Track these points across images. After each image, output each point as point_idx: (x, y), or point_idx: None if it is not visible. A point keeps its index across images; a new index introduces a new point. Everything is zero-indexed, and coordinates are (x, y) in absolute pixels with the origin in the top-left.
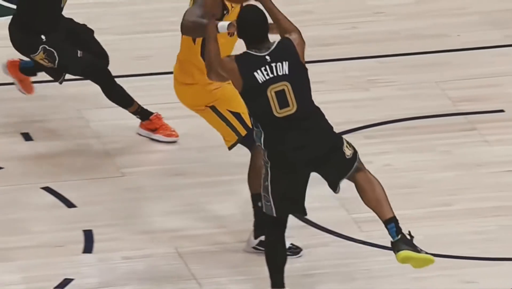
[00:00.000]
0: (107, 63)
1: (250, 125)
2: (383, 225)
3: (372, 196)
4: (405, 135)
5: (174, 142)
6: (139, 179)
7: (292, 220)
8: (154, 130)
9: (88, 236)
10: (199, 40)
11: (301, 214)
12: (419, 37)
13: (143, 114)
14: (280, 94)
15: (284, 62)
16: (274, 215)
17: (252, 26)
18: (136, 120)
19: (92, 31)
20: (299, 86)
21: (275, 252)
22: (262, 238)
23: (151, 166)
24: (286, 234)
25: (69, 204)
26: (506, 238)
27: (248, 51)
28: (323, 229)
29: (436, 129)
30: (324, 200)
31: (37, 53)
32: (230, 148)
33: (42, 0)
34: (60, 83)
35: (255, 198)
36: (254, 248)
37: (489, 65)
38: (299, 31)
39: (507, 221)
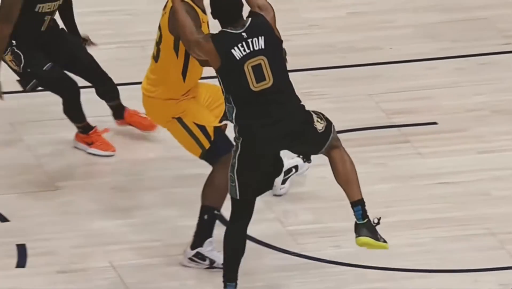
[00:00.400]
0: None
1: (213, 139)
2: (318, 237)
3: (344, 175)
4: None
5: (110, 156)
6: (74, 193)
7: None
8: (90, 144)
9: (22, 251)
10: (181, 54)
11: (264, 192)
12: (353, 50)
13: (86, 128)
14: (257, 69)
15: (260, 37)
16: (238, 197)
17: (227, 7)
18: (72, 134)
19: (83, 46)
20: (275, 60)
21: (233, 242)
22: (199, 249)
23: (86, 179)
24: (218, 249)
25: (2, 218)
26: (440, 250)
27: (224, 29)
28: (258, 242)
29: (370, 141)
30: (259, 212)
31: (6, 54)
32: (201, 158)
33: (22, 16)
34: (27, 91)
35: (204, 209)
36: (190, 259)
37: (422, 78)
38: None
39: (441, 232)
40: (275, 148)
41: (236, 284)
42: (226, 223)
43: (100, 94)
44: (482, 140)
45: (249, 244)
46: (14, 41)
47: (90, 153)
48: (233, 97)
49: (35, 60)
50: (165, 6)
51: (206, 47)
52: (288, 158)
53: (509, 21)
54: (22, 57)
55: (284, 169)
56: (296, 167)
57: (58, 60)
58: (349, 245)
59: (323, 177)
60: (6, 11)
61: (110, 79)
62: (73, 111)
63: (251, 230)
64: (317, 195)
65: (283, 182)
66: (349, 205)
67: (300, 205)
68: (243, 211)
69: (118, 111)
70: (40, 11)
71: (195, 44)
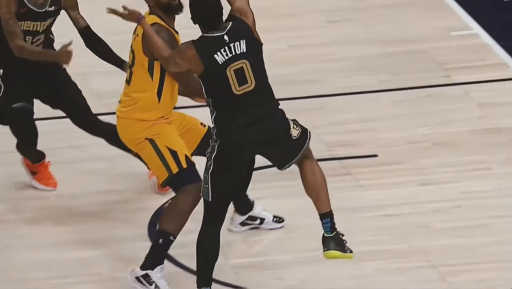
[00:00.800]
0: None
1: (183, 166)
2: (259, 271)
3: (314, 186)
4: (281, 180)
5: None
6: (16, 227)
7: (168, 265)
8: (34, 173)
9: None
10: (157, 75)
11: (237, 197)
12: (293, 83)
13: (35, 159)
14: (239, 72)
15: (241, 41)
16: (210, 199)
17: (207, 12)
18: (14, 168)
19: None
20: (256, 63)
21: (206, 246)
22: (149, 272)
23: (27, 212)
24: (165, 278)
25: None
26: (382, 282)
27: (205, 34)
28: None
29: None
30: None
31: None
32: (162, 185)
33: (5, 43)
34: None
35: (161, 233)
36: (137, 278)
37: (362, 110)
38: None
39: (383, 265)
40: (252, 151)
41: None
42: (174, 261)
43: (111, 144)
44: (423, 172)
45: (190, 276)
46: (1, 70)
47: (31, 185)
48: (215, 101)
49: (10, 94)
50: (136, 28)
51: (188, 53)
52: (262, 209)
53: (448, 53)
54: (2, 89)
55: (252, 214)
56: (262, 220)
57: (45, 95)
58: (292, 278)
59: (263, 210)
60: (5, 29)
61: (104, 128)
62: (27, 152)
63: (194, 263)
64: (261, 227)
65: (243, 224)
66: (294, 237)
67: (244, 237)
68: (215, 214)
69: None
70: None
71: (175, 55)
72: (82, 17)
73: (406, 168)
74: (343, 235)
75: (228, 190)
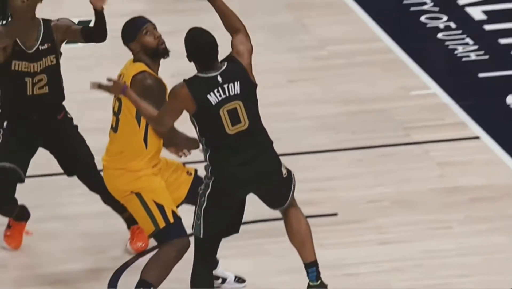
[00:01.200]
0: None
1: (170, 220)
2: None
3: (298, 234)
4: (242, 239)
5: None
6: None
7: None
8: (9, 226)
9: None
10: (143, 122)
11: (230, 235)
12: None
13: (18, 216)
14: (232, 112)
15: (236, 82)
16: (201, 236)
17: (204, 49)
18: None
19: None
20: (250, 103)
21: (199, 284)
22: None
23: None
24: None
25: None
26: None
27: (199, 74)
28: None
29: (273, 232)
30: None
31: None
32: (149, 236)
33: (6, 86)
34: None
35: (142, 283)
36: None
37: (322, 169)
38: (245, 30)
39: None
40: (246, 189)
41: None
42: None
43: (106, 203)
44: (382, 231)
45: None
46: (5, 123)
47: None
48: (208, 140)
49: (2, 151)
50: (120, 74)
51: (182, 92)
52: (224, 269)
53: (407, 113)
54: None
55: (215, 272)
56: (224, 280)
57: (55, 157)
58: None
59: (225, 269)
60: None
61: (104, 186)
62: (6, 210)
63: None
64: (222, 287)
65: None
66: None
67: None
68: (206, 251)
69: (130, 222)
70: (17, 69)
71: (166, 103)
72: (75, 25)
73: (365, 226)
74: (327, 286)
75: (220, 227)
